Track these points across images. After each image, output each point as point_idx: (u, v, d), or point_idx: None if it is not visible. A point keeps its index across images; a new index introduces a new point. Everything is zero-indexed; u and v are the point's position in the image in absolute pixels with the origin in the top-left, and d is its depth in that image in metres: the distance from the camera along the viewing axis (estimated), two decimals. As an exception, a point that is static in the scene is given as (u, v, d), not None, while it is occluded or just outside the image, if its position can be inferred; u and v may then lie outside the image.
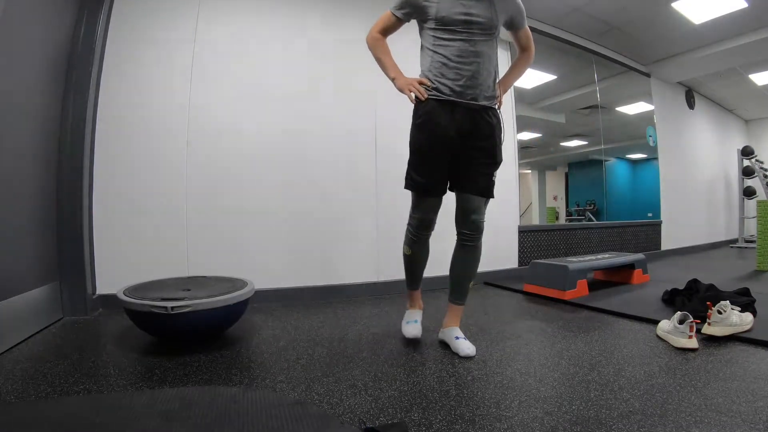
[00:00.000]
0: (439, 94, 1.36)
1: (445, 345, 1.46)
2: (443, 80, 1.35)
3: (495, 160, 1.43)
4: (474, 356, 1.36)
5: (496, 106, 1.45)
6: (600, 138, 4.04)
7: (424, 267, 1.59)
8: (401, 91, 1.41)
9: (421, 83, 1.37)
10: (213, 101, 2.16)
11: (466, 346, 1.39)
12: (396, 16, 1.43)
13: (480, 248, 1.48)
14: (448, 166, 1.41)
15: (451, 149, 1.38)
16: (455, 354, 1.38)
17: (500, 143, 1.44)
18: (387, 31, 1.47)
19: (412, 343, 1.51)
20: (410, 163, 1.44)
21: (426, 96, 1.36)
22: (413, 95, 1.38)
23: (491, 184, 1.43)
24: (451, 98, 1.35)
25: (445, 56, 1.35)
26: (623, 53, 4.08)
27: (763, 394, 1.04)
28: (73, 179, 1.84)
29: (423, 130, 1.39)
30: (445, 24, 1.34)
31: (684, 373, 1.20)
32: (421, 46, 1.44)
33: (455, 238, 1.49)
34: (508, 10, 1.42)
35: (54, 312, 1.74)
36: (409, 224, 1.50)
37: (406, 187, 1.44)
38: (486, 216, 1.46)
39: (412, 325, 1.51)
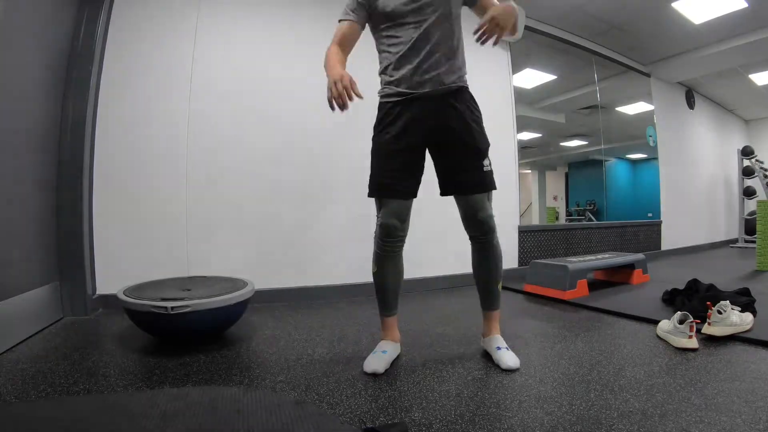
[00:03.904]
0: (390, 97, 1.28)
1: (487, 356, 1.35)
2: (396, 76, 1.26)
3: (478, 149, 1.29)
4: (518, 369, 1.23)
5: (466, 79, 1.32)
6: (600, 138, 4.04)
7: (396, 291, 1.38)
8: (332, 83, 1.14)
9: (352, 85, 1.12)
10: (213, 102, 2.16)
11: (508, 358, 1.26)
12: (347, 20, 1.30)
13: (497, 247, 1.33)
14: (418, 165, 1.31)
15: (419, 146, 1.29)
16: (497, 366, 1.26)
17: (478, 127, 1.30)
18: (344, 41, 1.30)
19: (413, 343, 1.51)
20: (372, 167, 1.33)
21: (347, 105, 1.13)
22: (334, 100, 1.13)
23: (485, 175, 1.29)
24: (407, 97, 1.25)
25: (395, 52, 1.26)
26: (623, 53, 4.08)
27: (763, 394, 1.04)
28: (73, 179, 1.84)
29: (381, 135, 1.31)
30: (394, 18, 1.24)
31: (684, 373, 1.20)
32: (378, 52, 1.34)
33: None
34: None
35: (54, 312, 1.74)
36: (375, 234, 1.33)
37: (369, 194, 1.33)
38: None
39: (377, 357, 1.27)
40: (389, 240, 1.30)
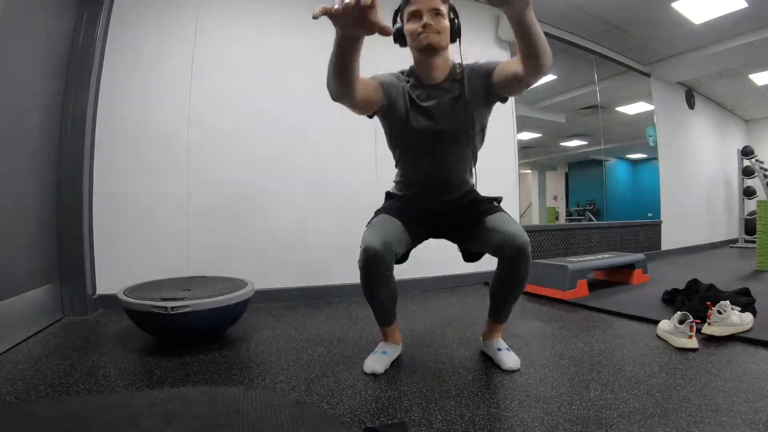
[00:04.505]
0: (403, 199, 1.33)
1: (487, 357, 1.35)
2: (411, 195, 1.31)
3: (487, 199, 1.31)
4: (518, 369, 1.23)
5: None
6: (600, 138, 4.04)
7: (392, 306, 1.31)
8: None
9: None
10: (213, 101, 2.16)
11: (508, 359, 1.25)
12: (374, 79, 1.18)
13: (526, 272, 1.19)
14: (418, 228, 1.29)
15: (423, 221, 1.30)
16: (497, 367, 1.26)
17: (484, 198, 1.32)
18: (360, 83, 1.08)
19: (413, 343, 1.51)
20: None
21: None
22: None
23: (498, 206, 1.29)
24: (420, 205, 1.31)
25: (410, 175, 1.30)
26: (623, 53, 4.08)
27: (763, 394, 1.04)
28: (73, 179, 1.84)
29: (390, 201, 1.36)
30: (414, 134, 1.21)
31: (684, 373, 1.20)
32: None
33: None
34: (479, 89, 1.20)
35: (54, 312, 1.74)
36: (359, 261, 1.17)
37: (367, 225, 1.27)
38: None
39: (377, 357, 1.26)
40: (373, 267, 1.13)
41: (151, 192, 2.04)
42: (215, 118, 2.16)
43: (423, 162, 1.26)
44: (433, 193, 1.30)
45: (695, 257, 4.35)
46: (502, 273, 1.23)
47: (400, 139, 1.27)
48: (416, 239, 1.32)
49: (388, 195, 1.39)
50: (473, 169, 1.34)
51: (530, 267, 1.19)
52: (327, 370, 1.26)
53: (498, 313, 1.34)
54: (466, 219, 1.28)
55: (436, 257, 2.63)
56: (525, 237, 1.14)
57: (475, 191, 1.36)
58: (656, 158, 4.44)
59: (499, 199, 1.33)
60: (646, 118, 4.45)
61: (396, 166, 1.36)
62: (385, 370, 1.24)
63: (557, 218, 4.36)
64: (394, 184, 1.39)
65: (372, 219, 1.28)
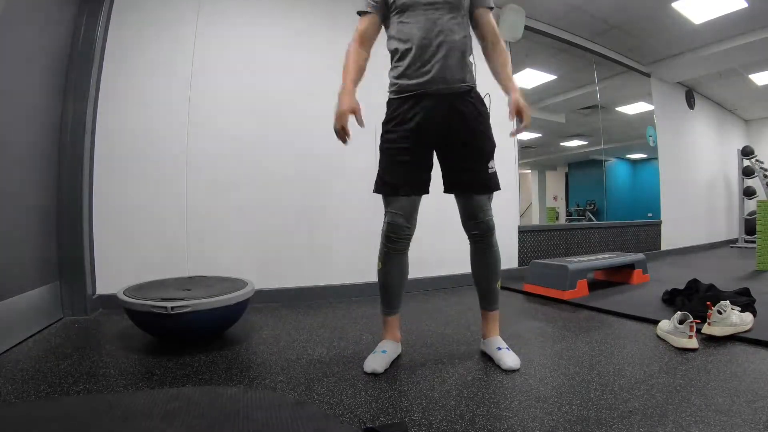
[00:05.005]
0: (399, 94, 1.29)
1: (487, 356, 1.35)
2: (406, 72, 1.26)
3: (483, 151, 1.29)
4: (518, 369, 1.24)
5: (476, 90, 1.33)
6: (600, 138, 4.04)
7: (400, 290, 1.37)
8: (335, 119, 1.25)
9: (354, 112, 1.22)
10: (213, 101, 2.16)
11: (508, 358, 1.26)
12: (366, 12, 1.32)
13: (496, 247, 1.33)
14: (427, 163, 1.31)
15: (427, 144, 1.29)
16: (498, 366, 1.26)
17: (484, 129, 1.30)
18: (364, 36, 1.32)
19: (413, 343, 1.51)
20: (380, 164, 1.32)
21: (347, 140, 1.27)
22: (339, 132, 1.25)
23: (489, 177, 1.30)
24: (415, 93, 1.25)
25: (405, 39, 1.25)
26: (623, 53, 4.08)
27: (763, 394, 1.04)
28: (73, 180, 1.84)
29: (389, 134, 1.30)
30: (406, 8, 1.26)
31: (684, 373, 1.20)
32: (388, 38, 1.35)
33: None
34: None
35: (54, 312, 1.74)
36: (382, 231, 1.32)
37: (375, 190, 1.32)
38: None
39: (377, 356, 1.27)
40: (395, 238, 1.29)
41: (150, 192, 2.04)
42: (215, 118, 2.16)
43: (416, 19, 1.25)
44: (431, 65, 1.24)
45: (695, 257, 4.35)
46: (472, 252, 1.37)
47: (397, 10, 1.28)
48: (427, 179, 1.33)
49: (385, 129, 1.34)
50: (469, 55, 1.31)
51: (497, 245, 1.34)
52: (327, 370, 1.26)
53: (483, 298, 1.39)
54: (463, 172, 1.31)
55: (436, 257, 2.64)
56: (489, 213, 1.31)
57: (476, 92, 1.32)
58: (656, 158, 4.44)
59: (493, 149, 1.33)
60: (646, 118, 4.45)
61: (393, 49, 1.33)
62: (385, 370, 1.24)
63: (557, 218, 4.37)
64: (389, 77, 1.34)
65: (378, 187, 1.31)
